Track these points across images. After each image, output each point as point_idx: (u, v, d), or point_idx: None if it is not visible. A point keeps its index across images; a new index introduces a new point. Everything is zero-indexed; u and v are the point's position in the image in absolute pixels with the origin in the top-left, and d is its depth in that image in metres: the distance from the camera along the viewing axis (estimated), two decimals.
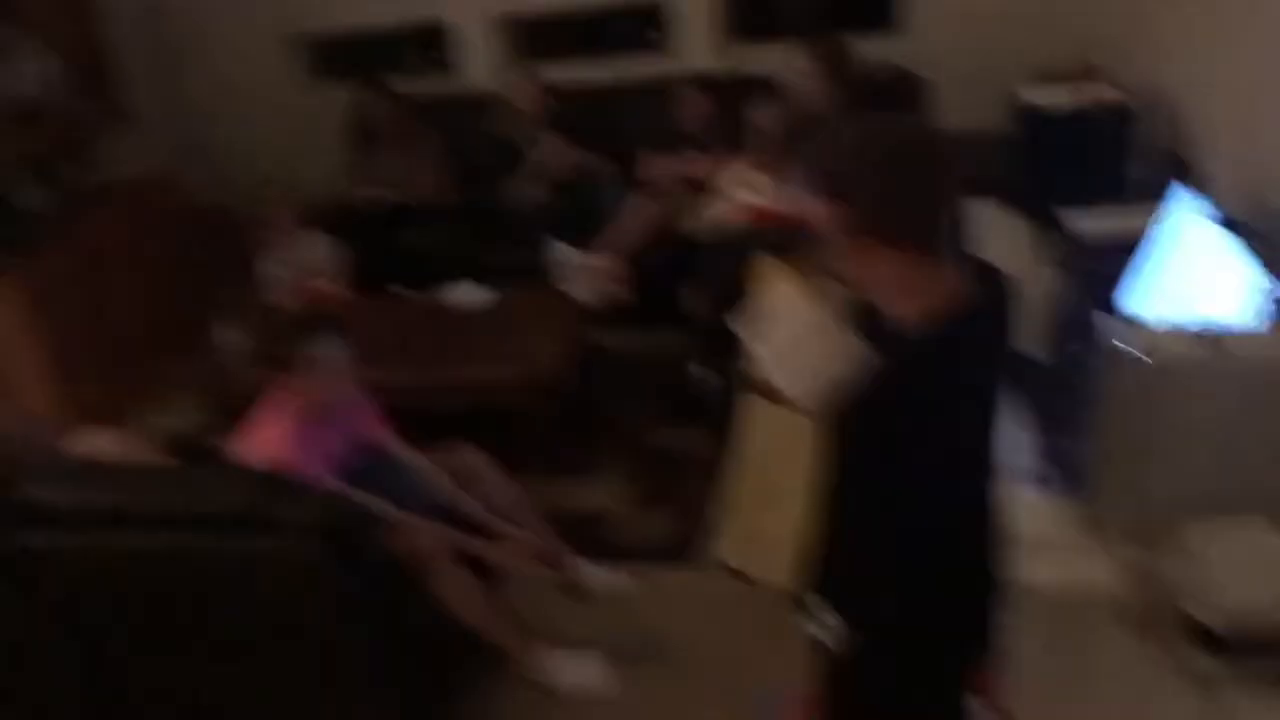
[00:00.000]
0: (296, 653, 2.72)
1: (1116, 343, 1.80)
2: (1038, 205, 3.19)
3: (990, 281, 1.72)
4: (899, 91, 4.28)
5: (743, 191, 4.18)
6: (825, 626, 1.71)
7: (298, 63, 5.80)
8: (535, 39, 5.82)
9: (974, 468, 1.71)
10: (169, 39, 5.68)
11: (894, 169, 1.54)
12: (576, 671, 3.01)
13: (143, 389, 4.92)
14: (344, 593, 2.57)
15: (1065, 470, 2.06)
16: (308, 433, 2.88)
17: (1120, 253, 2.59)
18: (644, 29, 5.51)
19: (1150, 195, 2.87)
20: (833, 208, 1.57)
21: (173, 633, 2.75)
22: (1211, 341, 1.79)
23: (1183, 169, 2.90)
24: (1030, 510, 2.04)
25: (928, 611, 1.76)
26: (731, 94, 4.87)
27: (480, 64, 5.46)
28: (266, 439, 2.84)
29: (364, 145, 5.18)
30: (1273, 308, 1.98)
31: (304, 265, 4.64)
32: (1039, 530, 2.00)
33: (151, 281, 5.09)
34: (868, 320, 1.74)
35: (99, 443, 3.01)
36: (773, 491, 1.79)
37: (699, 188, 4.66)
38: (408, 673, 2.78)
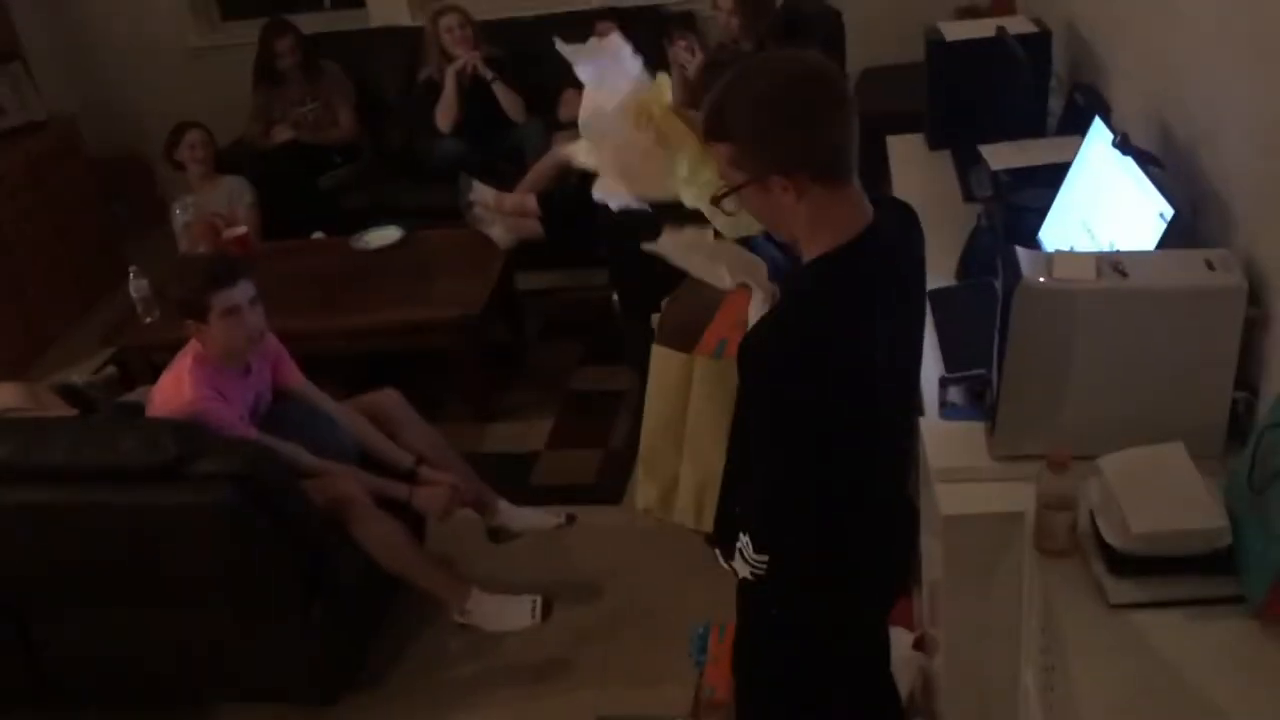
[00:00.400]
0: (218, 602, 2.70)
1: (1025, 272, 1.81)
2: (957, 139, 3.20)
3: (897, 210, 1.75)
4: (817, 25, 4.26)
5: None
6: (744, 562, 1.72)
7: (202, 1, 5.59)
8: None
9: (889, 394, 1.71)
10: None
11: (776, 100, 1.54)
12: (506, 614, 3.01)
13: (49, 341, 4.78)
14: (263, 540, 2.55)
15: (978, 400, 2.08)
16: (222, 381, 2.83)
17: (1038, 185, 2.62)
18: None
19: (1069, 128, 2.90)
20: (725, 149, 1.58)
21: (90, 586, 2.71)
22: (1112, 265, 1.81)
23: (1097, 101, 2.92)
24: (943, 440, 2.06)
25: (848, 541, 1.78)
26: (651, 28, 4.82)
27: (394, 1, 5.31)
28: (180, 389, 2.78)
29: (270, 86, 5.03)
30: (1170, 232, 2.01)
31: (216, 211, 4.52)
32: (952, 460, 2.02)
33: (54, 231, 4.93)
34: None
35: (3, 397, 2.92)
36: (682, 437, 1.79)
37: None
38: (333, 619, 2.77)
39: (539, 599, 3.01)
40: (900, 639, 2.60)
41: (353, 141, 5.08)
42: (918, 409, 2.01)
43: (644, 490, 1.88)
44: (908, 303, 1.76)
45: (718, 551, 1.80)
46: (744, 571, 1.73)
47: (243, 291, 2.81)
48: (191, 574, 2.64)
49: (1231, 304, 1.81)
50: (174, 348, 2.99)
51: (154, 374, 3.56)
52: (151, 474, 2.45)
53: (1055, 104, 3.16)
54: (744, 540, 1.69)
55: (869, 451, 1.72)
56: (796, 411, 1.58)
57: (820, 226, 1.59)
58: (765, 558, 1.68)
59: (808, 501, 1.67)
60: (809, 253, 1.62)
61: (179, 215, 4.50)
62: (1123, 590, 1.63)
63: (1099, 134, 2.42)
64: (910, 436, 1.86)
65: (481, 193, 4.20)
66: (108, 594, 2.70)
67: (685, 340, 1.76)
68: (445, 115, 4.71)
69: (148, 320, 3.89)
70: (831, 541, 1.74)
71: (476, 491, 3.18)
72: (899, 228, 1.72)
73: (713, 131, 1.59)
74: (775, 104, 1.55)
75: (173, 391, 2.79)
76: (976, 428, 2.07)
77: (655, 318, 2.98)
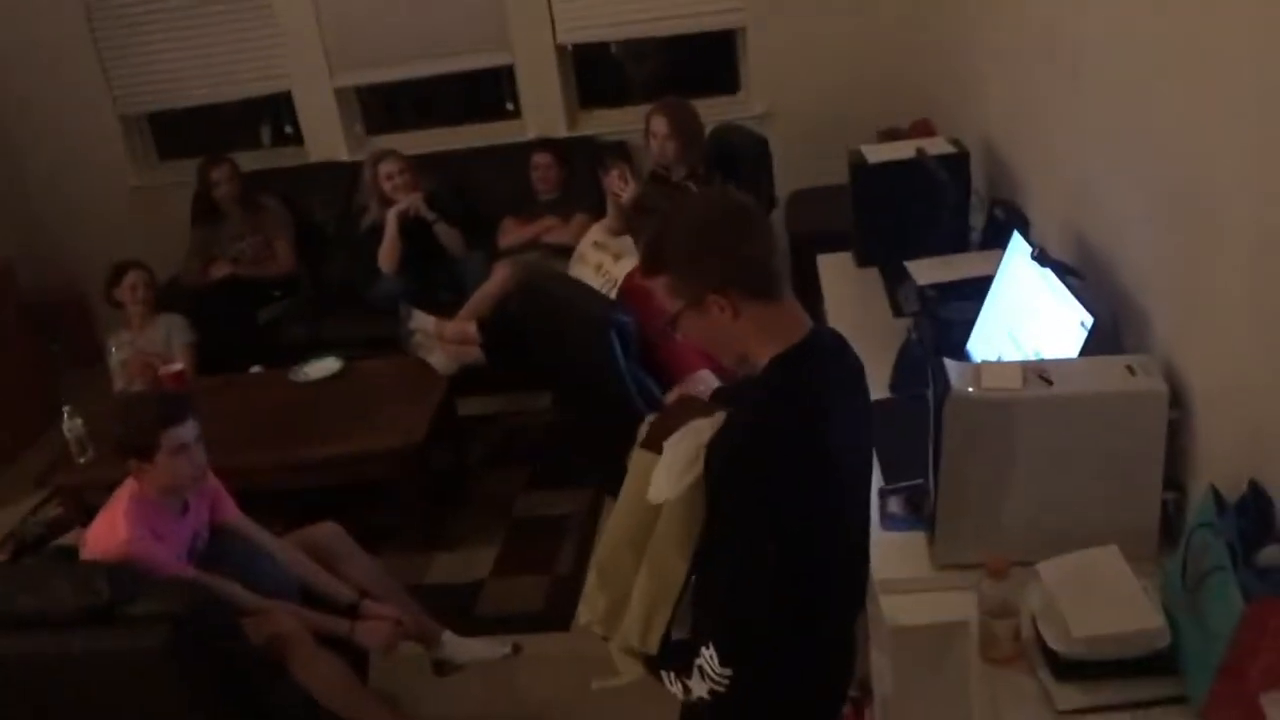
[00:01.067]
0: None
1: (954, 383, 1.85)
2: (884, 257, 3.29)
3: (829, 329, 1.81)
4: (745, 152, 4.40)
5: (606, 258, 4.22)
6: (702, 680, 1.69)
7: (140, 142, 5.65)
8: (388, 109, 5.82)
9: (849, 499, 1.78)
10: None
11: (704, 228, 1.68)
12: None
13: None
14: (202, 682, 2.47)
15: (917, 511, 2.10)
16: (159, 520, 2.77)
17: (964, 298, 2.69)
18: (497, 98, 5.56)
19: (990, 243, 3.00)
20: (663, 280, 1.69)
21: None
22: (1037, 374, 1.86)
23: (1016, 216, 3.03)
24: (885, 552, 2.08)
25: (814, 655, 1.79)
26: (584, 159, 4.95)
27: (330, 136, 5.40)
28: (115, 529, 2.72)
29: (209, 222, 5.05)
30: (1091, 339, 2.07)
31: (153, 349, 4.49)
32: (895, 571, 2.04)
33: None
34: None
35: None
36: (644, 548, 1.77)
37: (557, 251, 4.70)
38: None
39: None
40: None
41: (291, 275, 5.10)
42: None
43: (592, 602, 1.83)
44: (857, 404, 1.81)
45: (668, 675, 1.78)
46: (701, 690, 1.69)
47: (190, 429, 2.78)
48: (129, 717, 2.55)
49: (1154, 407, 1.87)
50: (107, 486, 2.93)
51: (89, 515, 3.50)
52: (85, 618, 2.38)
53: (976, 220, 3.28)
54: (707, 654, 1.65)
55: (839, 551, 1.76)
56: (771, 507, 1.60)
57: (765, 337, 1.68)
58: (730, 671, 1.64)
59: (781, 608, 1.65)
60: (760, 360, 1.69)
61: (114, 353, 4.46)
62: (1068, 696, 1.63)
63: (1019, 247, 2.51)
64: (866, 539, 1.89)
65: (421, 320, 4.22)
66: None
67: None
68: (388, 257, 4.74)
69: (82, 460, 3.82)
70: (798, 655, 1.74)
71: (420, 624, 3.12)
72: (836, 339, 1.80)
73: (650, 266, 1.71)
74: (704, 231, 1.68)
75: (107, 532, 2.73)
76: (918, 538, 2.09)
77: (641, 427, 3.01)
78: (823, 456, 1.62)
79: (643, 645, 1.78)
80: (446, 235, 4.77)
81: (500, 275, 4.55)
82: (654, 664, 1.82)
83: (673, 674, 1.76)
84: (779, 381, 1.66)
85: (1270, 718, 1.29)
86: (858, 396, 1.81)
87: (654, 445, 1.78)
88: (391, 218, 4.68)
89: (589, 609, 1.83)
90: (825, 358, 1.71)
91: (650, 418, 1.87)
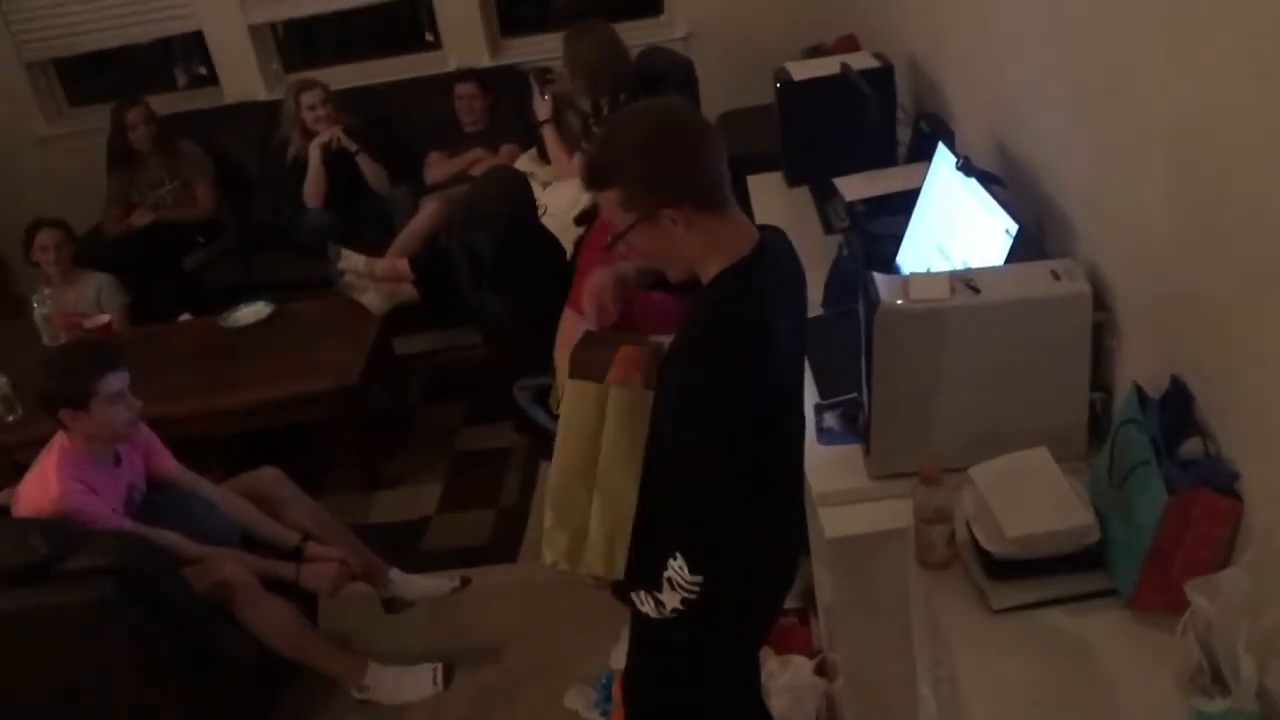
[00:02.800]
0: (103, 699, 2.60)
1: (883, 296, 1.87)
2: (813, 175, 3.29)
3: (776, 233, 1.86)
4: (672, 74, 4.35)
5: (535, 187, 4.17)
6: (674, 590, 1.71)
7: (48, 89, 5.45)
8: (304, 44, 5.67)
9: (792, 404, 1.83)
10: None
11: (652, 142, 1.65)
12: (406, 685, 2.96)
13: None
14: (144, 633, 2.46)
15: (853, 424, 2.13)
16: (91, 474, 2.73)
17: (892, 213, 2.70)
18: (417, 29, 5.44)
19: (917, 156, 3.01)
20: (612, 195, 1.67)
21: None
22: (964, 283, 1.88)
23: (941, 128, 3.04)
24: (822, 466, 2.11)
25: (767, 555, 1.88)
26: (509, 88, 4.87)
27: (246, 75, 5.25)
28: (46, 484, 2.68)
29: (126, 168, 4.91)
30: (1016, 246, 2.10)
31: (79, 304, 4.38)
32: (833, 484, 2.07)
33: None
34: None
35: None
36: (594, 479, 1.77)
37: None
38: (226, 707, 2.68)
39: (439, 666, 2.97)
40: (801, 666, 2.63)
41: (214, 218, 4.98)
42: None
43: (554, 540, 1.83)
44: (798, 311, 1.87)
45: (638, 595, 1.79)
46: (674, 601, 1.73)
47: (123, 377, 2.74)
48: (76, 673, 2.53)
49: (1078, 310, 1.90)
50: (37, 443, 2.88)
51: (17, 474, 3.43)
52: (23, 576, 2.35)
53: (903, 134, 3.28)
54: (675, 565, 1.68)
55: (789, 452, 1.86)
56: (729, 413, 1.63)
57: (714, 250, 1.69)
58: (700, 578, 1.68)
59: (743, 510, 1.71)
60: (708, 274, 1.71)
61: (37, 308, 4.34)
62: (1003, 594, 1.68)
63: (944, 159, 2.52)
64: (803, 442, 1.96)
65: (351, 260, 4.16)
66: None
67: (598, 372, 1.78)
68: (313, 190, 4.66)
69: (10, 419, 3.74)
70: (759, 552, 1.83)
71: (366, 563, 3.12)
72: (783, 245, 1.84)
73: (597, 180, 1.69)
74: (652, 145, 1.66)
75: (39, 487, 2.68)
76: (854, 451, 2.12)
77: (559, 354, 3.02)
78: (772, 364, 1.68)
79: (609, 572, 1.79)
80: (370, 169, 4.69)
81: (429, 210, 4.49)
82: (621, 588, 1.84)
83: (643, 592, 1.78)
84: (726, 294, 1.68)
85: (1193, 604, 1.33)
86: (798, 304, 1.86)
87: (586, 375, 1.78)
88: (314, 150, 4.60)
89: (551, 548, 1.84)
90: (771, 269, 1.73)
91: (575, 346, 1.87)
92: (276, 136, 4.84)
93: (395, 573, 3.19)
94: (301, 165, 4.67)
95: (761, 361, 1.66)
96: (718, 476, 1.67)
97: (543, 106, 4.17)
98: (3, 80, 5.27)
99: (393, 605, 3.18)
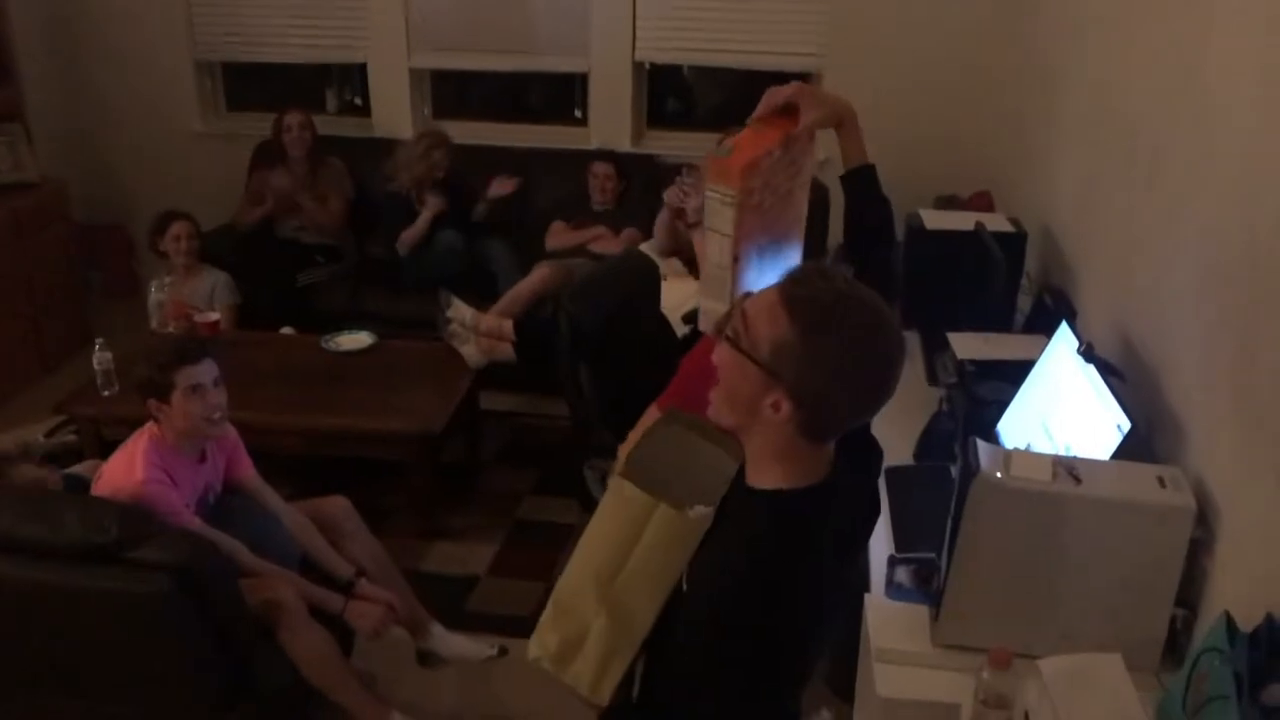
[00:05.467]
0: (139, 692, 2.63)
1: (984, 465, 1.86)
2: (927, 323, 3.29)
3: (862, 452, 1.60)
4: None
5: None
6: None
7: (211, 89, 5.71)
8: (458, 94, 5.86)
9: (815, 633, 1.53)
10: (72, 44, 5.54)
11: (855, 381, 1.37)
12: None
13: (3, 399, 4.72)
14: (193, 635, 2.49)
15: (925, 584, 2.10)
16: (175, 466, 2.79)
17: (1001, 379, 2.69)
18: (566, 103, 5.60)
19: (1035, 327, 3.00)
20: (772, 324, 1.36)
21: (15, 663, 2.63)
22: (1067, 470, 1.86)
23: (1065, 305, 3.03)
24: (887, 620, 2.07)
25: None
26: (642, 177, 4.97)
27: (397, 112, 5.44)
28: (131, 469, 2.74)
29: (269, 168, 5.10)
30: (1124, 444, 2.07)
31: (193, 297, 4.53)
32: (894, 641, 2.03)
33: (27, 290, 4.90)
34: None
35: None
36: (611, 590, 1.60)
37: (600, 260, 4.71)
38: None
39: None
40: None
41: (337, 236, 5.14)
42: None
43: (544, 639, 1.65)
44: (851, 548, 1.61)
45: None
46: None
47: (207, 370, 2.80)
48: (115, 663, 2.56)
49: (1179, 523, 1.86)
50: (125, 423, 2.95)
51: (102, 447, 3.52)
52: (91, 555, 2.40)
53: (1024, 302, 3.27)
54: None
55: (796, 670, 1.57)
56: (736, 648, 1.42)
57: (779, 460, 1.44)
58: None
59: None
60: (760, 477, 1.46)
61: (154, 293, 4.50)
62: None
63: (1064, 338, 2.51)
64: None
65: (460, 310, 4.24)
66: (28, 673, 2.61)
67: (654, 488, 1.64)
68: (407, 241, 4.88)
69: (105, 393, 3.85)
70: None
71: (411, 612, 3.13)
72: (855, 483, 1.56)
73: (789, 301, 1.36)
74: (845, 365, 1.36)
75: (124, 470, 2.75)
76: (921, 611, 2.08)
77: (621, 450, 2.99)
78: (803, 605, 1.45)
79: (593, 694, 1.63)
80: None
81: (541, 274, 4.57)
82: (605, 716, 1.69)
83: None
84: (768, 527, 1.44)
85: None
86: (852, 542, 1.60)
87: (638, 479, 1.63)
88: (428, 212, 4.83)
89: (539, 644, 1.66)
90: (827, 507, 1.46)
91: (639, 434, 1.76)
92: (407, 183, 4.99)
93: (437, 628, 3.19)
94: (403, 201, 4.88)
95: (789, 605, 1.42)
96: (714, 684, 1.45)
97: (678, 194, 4.18)
98: (173, 74, 5.55)
99: (427, 659, 3.17)
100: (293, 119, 5.03)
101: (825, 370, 1.34)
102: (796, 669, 1.56)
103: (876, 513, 1.65)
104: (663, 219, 4.22)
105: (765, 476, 1.45)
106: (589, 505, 3.46)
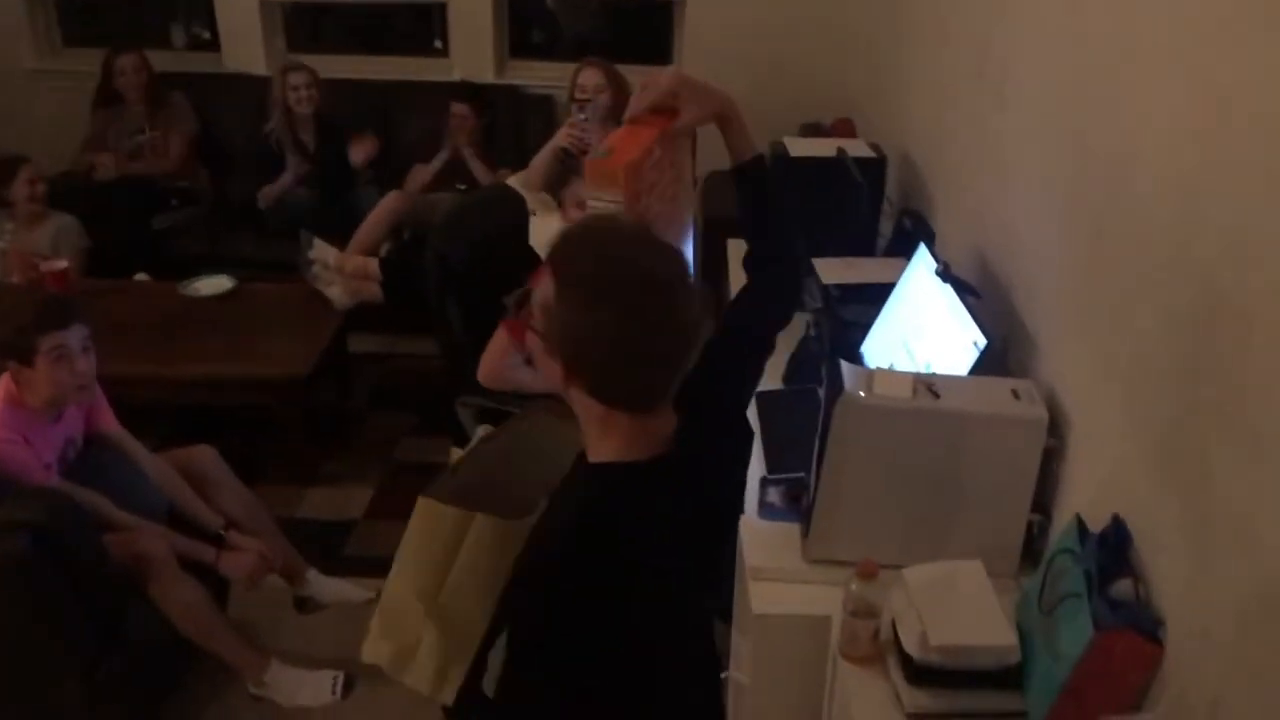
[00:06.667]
0: (4, 653, 2.53)
1: (847, 385, 1.90)
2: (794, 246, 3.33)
3: (712, 419, 1.49)
4: None
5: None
6: None
7: (44, 26, 5.39)
8: (313, 27, 5.66)
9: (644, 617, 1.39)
10: None
11: (612, 332, 1.27)
12: (305, 689, 2.93)
13: None
14: (54, 596, 2.41)
15: (795, 503, 2.16)
16: (30, 425, 2.68)
17: (864, 301, 2.75)
18: (425, 33, 5.46)
19: (896, 251, 3.07)
20: (545, 284, 1.31)
21: None
22: (926, 386, 1.92)
23: (924, 228, 3.10)
24: (759, 540, 2.13)
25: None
26: (505, 110, 4.89)
27: (249, 46, 5.23)
28: None
29: (109, 111, 4.87)
30: (981, 360, 2.14)
31: (39, 245, 4.31)
32: (767, 559, 2.08)
33: None
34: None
35: None
36: (435, 601, 1.56)
37: None
38: (122, 684, 2.63)
39: (340, 675, 2.94)
40: None
41: (187, 179, 4.94)
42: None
43: (377, 648, 1.66)
44: (691, 536, 1.47)
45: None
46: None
47: (76, 335, 2.68)
48: None
49: (1032, 433, 1.94)
50: None
51: None
52: None
53: (885, 227, 3.34)
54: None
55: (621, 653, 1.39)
56: (551, 617, 1.31)
57: (602, 434, 1.36)
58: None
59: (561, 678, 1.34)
60: (591, 450, 1.38)
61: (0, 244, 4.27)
62: (917, 699, 1.70)
63: (923, 260, 2.58)
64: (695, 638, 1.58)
65: (323, 251, 4.13)
66: None
67: (473, 501, 1.55)
68: (269, 196, 4.77)
69: None
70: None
71: (286, 558, 3.09)
72: (709, 455, 1.46)
73: (551, 259, 1.32)
74: (599, 315, 1.27)
75: None
76: (792, 529, 2.14)
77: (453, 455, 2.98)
78: (621, 593, 1.32)
79: (435, 696, 1.62)
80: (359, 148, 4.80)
81: (386, 205, 4.49)
82: (453, 714, 1.67)
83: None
84: (596, 492, 1.36)
85: None
86: (686, 536, 1.45)
87: (449, 496, 1.58)
88: (290, 174, 4.75)
89: (373, 653, 1.62)
90: (654, 491, 1.37)
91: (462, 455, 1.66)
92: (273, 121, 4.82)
93: (313, 573, 3.16)
94: (276, 144, 4.72)
95: (603, 593, 1.30)
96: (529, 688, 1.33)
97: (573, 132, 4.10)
98: (2, 10, 5.21)
99: (305, 605, 3.15)
100: (125, 61, 4.79)
101: (578, 325, 1.27)
102: (640, 637, 1.39)
103: (739, 498, 1.56)
104: (544, 156, 4.16)
105: (597, 451, 1.37)
106: (462, 443, 3.45)
